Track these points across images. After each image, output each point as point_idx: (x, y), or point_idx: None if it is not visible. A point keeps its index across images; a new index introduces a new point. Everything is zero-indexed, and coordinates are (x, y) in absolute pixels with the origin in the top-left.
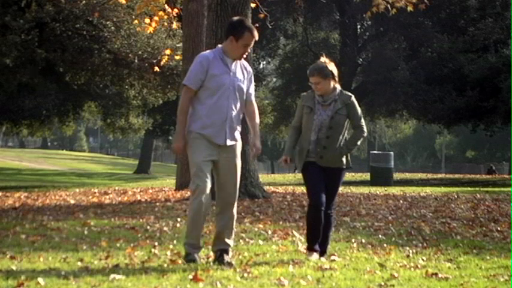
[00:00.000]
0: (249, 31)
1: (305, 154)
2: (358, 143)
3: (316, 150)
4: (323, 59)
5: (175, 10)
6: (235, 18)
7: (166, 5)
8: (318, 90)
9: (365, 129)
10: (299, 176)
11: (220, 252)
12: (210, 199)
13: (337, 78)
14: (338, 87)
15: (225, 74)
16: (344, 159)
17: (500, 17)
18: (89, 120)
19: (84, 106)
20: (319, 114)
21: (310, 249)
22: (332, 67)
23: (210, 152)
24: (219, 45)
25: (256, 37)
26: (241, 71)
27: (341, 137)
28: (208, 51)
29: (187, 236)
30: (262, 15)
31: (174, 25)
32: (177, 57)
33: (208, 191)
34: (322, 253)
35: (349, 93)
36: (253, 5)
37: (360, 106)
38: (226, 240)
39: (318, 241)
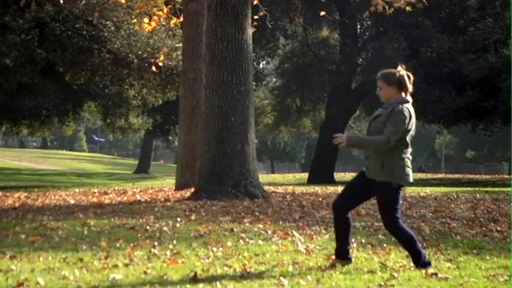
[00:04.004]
0: None
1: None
2: (373, 145)
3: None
4: (400, 67)
5: (169, 7)
6: None
7: (164, 5)
8: (380, 95)
9: (390, 140)
10: (299, 176)
11: None
12: None
13: (406, 89)
14: (404, 98)
15: None
16: (388, 174)
17: (500, 17)
18: (88, 120)
19: (84, 106)
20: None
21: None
22: (402, 77)
23: None
24: None
25: None
26: None
27: (382, 157)
28: None
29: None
30: (261, 13)
31: (172, 22)
32: (173, 55)
33: None
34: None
35: (402, 106)
36: (255, 2)
37: (359, 106)
38: None
39: (341, 246)
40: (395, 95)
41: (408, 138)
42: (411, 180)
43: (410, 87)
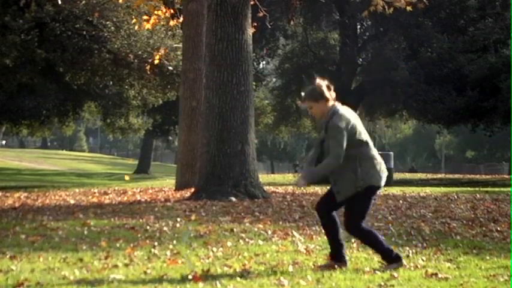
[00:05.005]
0: None
1: None
2: (328, 169)
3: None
4: (317, 80)
5: (171, 11)
6: None
7: (163, 6)
8: (313, 114)
9: (337, 156)
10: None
11: None
12: None
13: (329, 98)
14: (332, 108)
15: None
16: (367, 180)
17: (500, 17)
18: (88, 120)
19: (84, 106)
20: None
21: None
22: (323, 88)
23: None
24: None
25: None
26: None
27: (347, 168)
28: None
29: None
30: (261, 14)
31: (172, 23)
32: (172, 55)
33: None
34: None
35: (333, 119)
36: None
37: (359, 106)
38: None
39: (334, 247)
40: (325, 106)
41: (364, 137)
42: (386, 174)
43: (333, 94)
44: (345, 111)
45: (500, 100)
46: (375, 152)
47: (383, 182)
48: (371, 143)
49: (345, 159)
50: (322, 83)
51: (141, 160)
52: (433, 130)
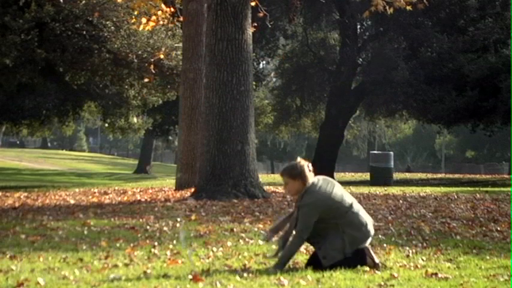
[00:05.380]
0: None
1: None
2: (293, 252)
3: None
4: (299, 159)
5: (171, 9)
6: None
7: (163, 5)
8: (288, 190)
9: (301, 237)
10: None
11: None
12: None
13: (307, 178)
14: (307, 186)
15: None
16: (343, 253)
17: (500, 17)
18: (88, 120)
19: (84, 106)
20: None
21: None
22: (303, 168)
23: None
24: None
25: None
26: None
27: (332, 234)
28: None
29: None
30: (261, 14)
31: (170, 24)
32: (173, 54)
33: None
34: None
35: (305, 199)
36: (252, 4)
37: (359, 106)
38: None
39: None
40: (301, 186)
41: (346, 205)
42: (372, 233)
43: (311, 175)
44: (322, 186)
45: (500, 100)
46: (360, 215)
47: (368, 242)
48: (356, 207)
49: (327, 228)
50: (304, 163)
51: (141, 160)
52: (433, 130)
